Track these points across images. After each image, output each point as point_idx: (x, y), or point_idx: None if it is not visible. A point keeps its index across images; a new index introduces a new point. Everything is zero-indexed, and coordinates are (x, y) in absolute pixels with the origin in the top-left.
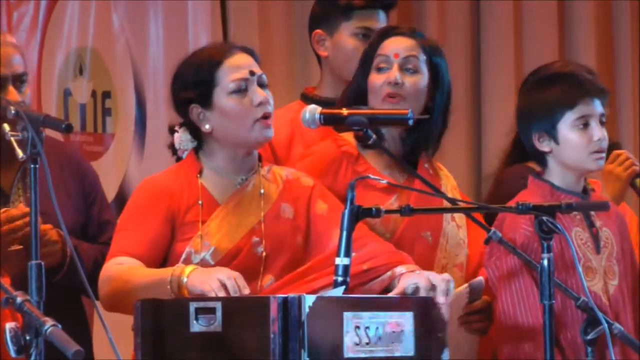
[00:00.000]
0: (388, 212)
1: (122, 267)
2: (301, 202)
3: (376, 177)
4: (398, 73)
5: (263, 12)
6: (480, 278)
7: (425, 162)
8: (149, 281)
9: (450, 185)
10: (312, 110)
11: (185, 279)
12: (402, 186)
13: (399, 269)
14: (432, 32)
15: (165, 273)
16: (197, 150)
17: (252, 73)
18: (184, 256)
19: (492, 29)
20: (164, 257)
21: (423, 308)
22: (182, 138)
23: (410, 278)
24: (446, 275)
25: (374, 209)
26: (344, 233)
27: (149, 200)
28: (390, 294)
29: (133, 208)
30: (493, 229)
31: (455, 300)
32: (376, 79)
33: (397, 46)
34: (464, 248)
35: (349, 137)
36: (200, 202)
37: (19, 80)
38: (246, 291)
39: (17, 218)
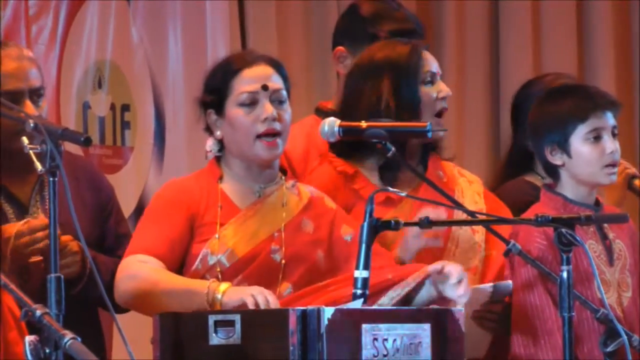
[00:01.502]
0: (407, 224)
1: (146, 265)
2: (324, 221)
3: (395, 190)
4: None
5: (282, 25)
6: (509, 282)
7: (437, 168)
8: (181, 288)
9: (472, 191)
10: (331, 123)
11: (219, 296)
12: (420, 198)
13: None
14: (450, 33)
15: (201, 285)
16: (218, 157)
17: (265, 87)
18: (200, 257)
19: (510, 29)
20: (182, 258)
21: (440, 319)
22: (211, 142)
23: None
24: (459, 266)
25: (392, 221)
26: (363, 246)
27: (171, 200)
28: (408, 280)
29: (155, 207)
30: (512, 241)
31: (474, 294)
32: (430, 92)
33: (433, 62)
34: (479, 252)
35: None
36: (220, 205)
37: (35, 94)
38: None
39: (38, 229)
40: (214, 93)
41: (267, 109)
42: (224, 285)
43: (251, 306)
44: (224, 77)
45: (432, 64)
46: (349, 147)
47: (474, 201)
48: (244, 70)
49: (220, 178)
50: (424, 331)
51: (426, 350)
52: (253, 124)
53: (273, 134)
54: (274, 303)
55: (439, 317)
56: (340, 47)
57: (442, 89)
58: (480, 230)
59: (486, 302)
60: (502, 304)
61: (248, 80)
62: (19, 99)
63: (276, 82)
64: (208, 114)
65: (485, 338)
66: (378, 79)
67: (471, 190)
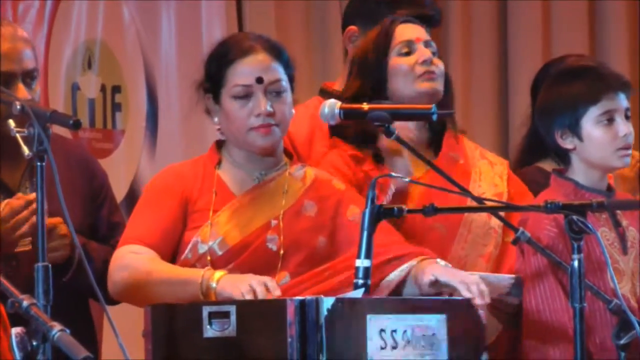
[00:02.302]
0: (410, 211)
1: (139, 256)
2: (329, 203)
3: (398, 175)
4: (430, 55)
5: (280, 3)
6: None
7: (452, 149)
8: (174, 278)
9: (493, 173)
10: (332, 105)
11: (214, 284)
12: (426, 184)
13: (420, 259)
14: (457, 16)
15: (195, 274)
16: (220, 141)
17: (259, 80)
18: (190, 245)
19: (520, 12)
20: (176, 246)
21: (458, 310)
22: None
23: (435, 269)
24: (477, 278)
25: (395, 208)
26: (365, 233)
27: (164, 187)
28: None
29: (148, 194)
30: (521, 228)
31: (494, 282)
32: (404, 62)
33: (414, 32)
34: (495, 238)
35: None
36: (215, 190)
37: (29, 76)
38: (277, 292)
39: (20, 210)
40: (210, 80)
41: (261, 104)
42: (218, 273)
43: (247, 296)
44: (219, 66)
45: (407, 33)
46: (353, 133)
47: (493, 184)
48: (238, 61)
49: (219, 163)
50: (439, 322)
51: (442, 343)
52: (247, 118)
53: (267, 126)
54: (274, 288)
55: (456, 307)
56: (353, 27)
57: (422, 54)
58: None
59: (504, 294)
60: (520, 301)
61: (242, 72)
62: (12, 82)
63: (273, 72)
64: (207, 98)
65: (495, 327)
66: (360, 62)
67: (492, 172)
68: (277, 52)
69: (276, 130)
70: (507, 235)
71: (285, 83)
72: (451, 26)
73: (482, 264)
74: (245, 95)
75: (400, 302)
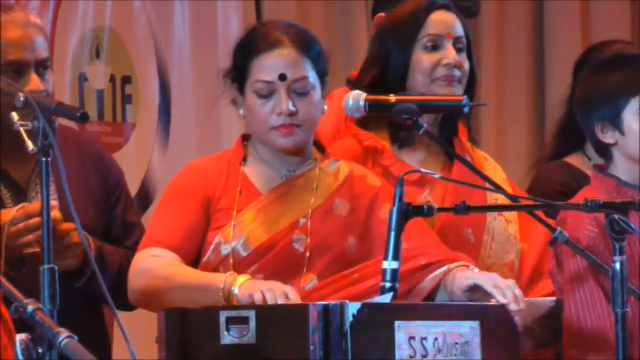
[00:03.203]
0: (441, 209)
1: (159, 260)
2: (362, 201)
3: (428, 171)
4: (456, 55)
5: None
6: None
7: (463, 150)
8: (194, 283)
9: (498, 177)
10: (356, 97)
11: (236, 289)
12: (460, 182)
13: (454, 265)
14: (492, 8)
15: (216, 279)
16: (246, 135)
17: (282, 77)
18: (212, 246)
19: (556, 6)
20: (199, 248)
21: (492, 316)
22: None
23: (470, 274)
24: (511, 282)
25: (425, 206)
26: (392, 234)
27: (185, 185)
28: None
29: (169, 194)
30: (559, 228)
31: (531, 308)
32: (427, 58)
33: (447, 25)
34: (515, 244)
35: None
36: (239, 188)
37: (42, 66)
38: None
39: (35, 214)
40: (235, 70)
41: (282, 102)
42: (241, 278)
43: (259, 303)
44: (244, 56)
45: (438, 25)
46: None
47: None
48: (263, 54)
49: (244, 160)
50: (472, 329)
51: (475, 351)
52: (268, 116)
53: (287, 127)
54: (295, 298)
55: (489, 313)
56: (382, 14)
57: (446, 55)
58: (513, 220)
59: (541, 316)
60: (559, 319)
61: (266, 67)
62: (24, 72)
63: (299, 68)
64: (234, 87)
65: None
66: (377, 46)
67: (498, 177)
68: (305, 46)
69: (298, 131)
70: (520, 241)
71: (312, 80)
72: (485, 12)
73: (506, 272)
74: (268, 92)
75: (430, 308)
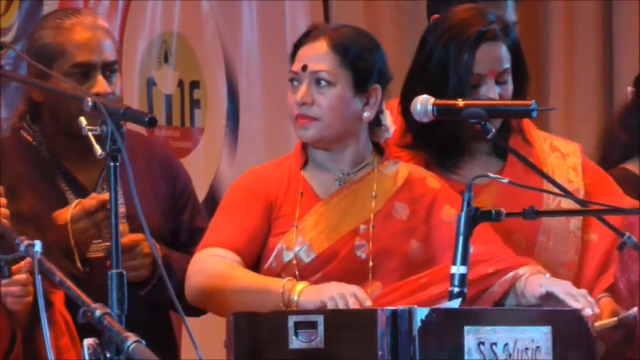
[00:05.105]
0: (510, 214)
1: (220, 260)
2: (422, 203)
3: (496, 176)
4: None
5: None
6: (633, 311)
7: (519, 150)
8: (254, 286)
9: (566, 167)
10: (424, 101)
11: (295, 297)
12: (528, 187)
13: (523, 270)
14: (561, 12)
15: (276, 283)
16: None
17: (304, 68)
18: (274, 253)
19: (624, 8)
20: (260, 253)
21: (564, 321)
22: None
23: (543, 280)
24: (583, 291)
25: (493, 211)
26: (460, 238)
27: (247, 189)
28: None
29: (231, 197)
30: (627, 233)
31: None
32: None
33: (491, 62)
34: (575, 242)
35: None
36: (300, 193)
37: (109, 69)
38: (368, 303)
39: (93, 209)
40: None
41: (299, 92)
42: (300, 285)
43: (340, 303)
44: (294, 48)
45: (482, 64)
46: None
47: (567, 180)
48: (300, 48)
49: (305, 164)
50: (544, 334)
51: (547, 357)
52: (292, 106)
53: (302, 117)
54: (364, 299)
55: (562, 318)
56: (437, 16)
57: (484, 93)
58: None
59: (612, 342)
60: (627, 328)
61: (297, 59)
62: (91, 74)
63: (322, 61)
64: None
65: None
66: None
67: (566, 166)
68: (341, 44)
69: (317, 124)
70: (587, 232)
71: (334, 75)
72: (553, 17)
73: (564, 273)
74: (295, 84)
75: (500, 313)
